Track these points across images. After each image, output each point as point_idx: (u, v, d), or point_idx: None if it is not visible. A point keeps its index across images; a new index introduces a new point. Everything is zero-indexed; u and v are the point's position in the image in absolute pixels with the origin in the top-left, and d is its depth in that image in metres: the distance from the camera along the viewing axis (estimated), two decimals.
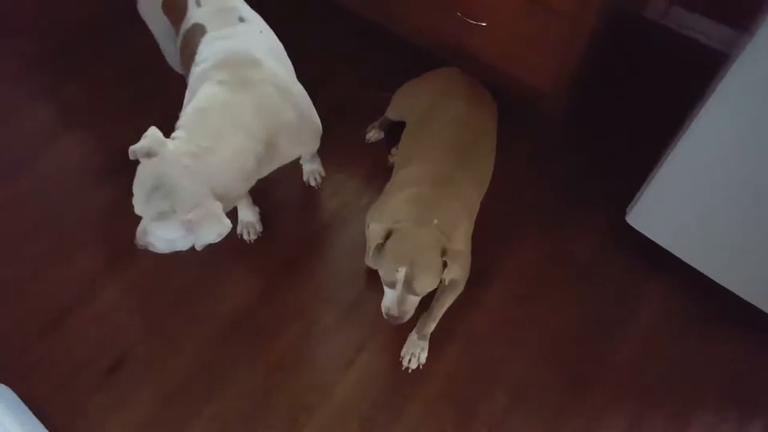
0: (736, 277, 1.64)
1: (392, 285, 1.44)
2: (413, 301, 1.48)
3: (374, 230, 1.45)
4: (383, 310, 1.49)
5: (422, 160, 1.66)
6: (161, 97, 2.14)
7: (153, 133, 1.30)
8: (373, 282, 1.80)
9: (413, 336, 1.73)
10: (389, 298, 1.47)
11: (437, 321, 1.72)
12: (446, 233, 1.47)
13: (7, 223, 1.93)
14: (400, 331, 1.73)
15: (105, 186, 2.00)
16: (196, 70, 1.46)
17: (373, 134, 2.06)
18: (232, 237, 1.89)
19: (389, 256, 1.42)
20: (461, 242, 1.59)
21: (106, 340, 1.75)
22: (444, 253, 1.41)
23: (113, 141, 2.08)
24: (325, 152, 1.86)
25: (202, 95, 1.37)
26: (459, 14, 1.89)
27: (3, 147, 2.08)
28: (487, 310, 1.82)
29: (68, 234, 1.91)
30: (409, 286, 1.41)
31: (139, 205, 1.30)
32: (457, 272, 1.63)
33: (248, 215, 1.89)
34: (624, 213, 1.82)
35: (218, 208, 1.28)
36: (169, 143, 1.29)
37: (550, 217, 1.96)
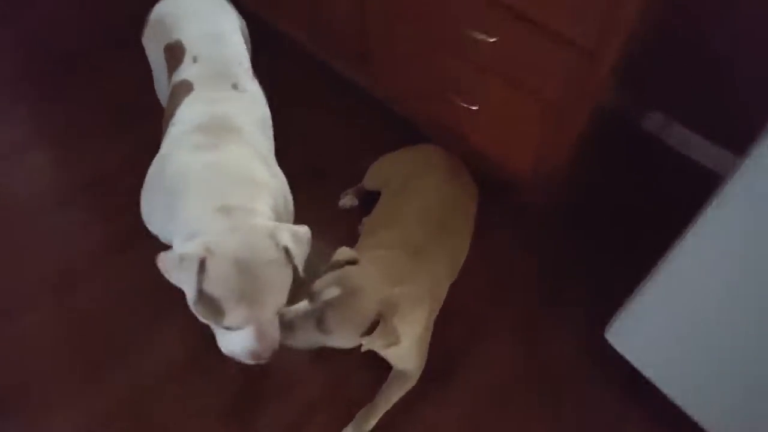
0: (714, 414, 1.49)
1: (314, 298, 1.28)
2: (310, 332, 1.28)
3: (343, 252, 1.35)
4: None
5: (394, 228, 1.56)
6: (142, 126, 2.06)
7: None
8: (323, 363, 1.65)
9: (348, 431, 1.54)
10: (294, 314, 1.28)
11: (378, 417, 1.55)
12: (399, 308, 1.33)
13: None
14: (337, 419, 1.56)
15: (67, 208, 1.88)
16: (171, 131, 1.36)
17: (347, 200, 1.96)
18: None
19: (335, 274, 1.29)
20: (419, 324, 1.45)
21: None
22: (379, 315, 1.27)
23: (84, 164, 1.98)
24: (297, 214, 1.75)
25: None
26: (451, 96, 1.85)
27: None
28: (444, 410, 1.63)
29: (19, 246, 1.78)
30: (322, 314, 1.24)
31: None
32: (408, 360, 1.48)
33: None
34: (603, 321, 1.68)
35: None
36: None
37: (525, 313, 1.81)
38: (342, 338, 1.29)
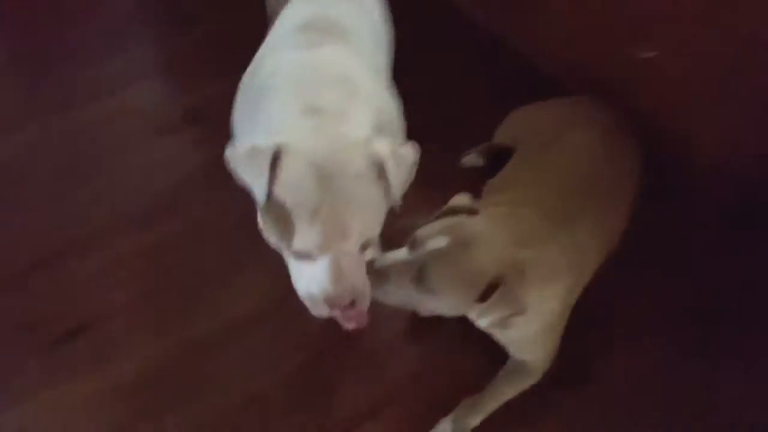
0: None
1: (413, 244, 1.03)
2: (402, 284, 1.02)
3: (460, 198, 1.12)
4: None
5: (528, 187, 1.23)
6: None
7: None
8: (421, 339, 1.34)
9: (445, 426, 1.22)
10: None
11: (487, 414, 1.23)
12: (526, 276, 1.02)
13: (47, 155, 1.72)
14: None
15: (166, 138, 1.75)
16: (271, 32, 1.23)
17: (471, 159, 1.64)
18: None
19: (446, 221, 1.04)
20: (551, 302, 1.11)
21: (76, 305, 1.42)
22: (499, 278, 0.99)
23: (189, 95, 1.85)
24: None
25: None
26: (623, 41, 1.47)
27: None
28: (570, 423, 1.26)
29: (102, 177, 1.66)
30: (424, 267, 0.99)
31: None
32: (532, 348, 1.15)
33: None
34: None
35: None
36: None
37: (689, 320, 1.39)
38: (446, 301, 1.01)
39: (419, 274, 0.98)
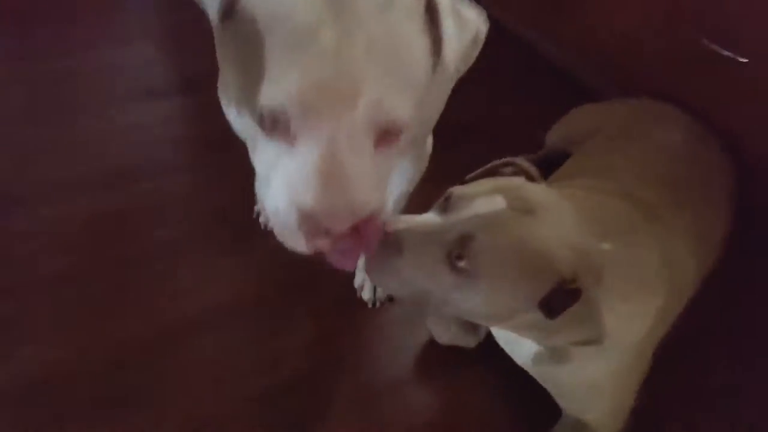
0: None
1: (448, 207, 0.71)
2: (430, 258, 0.68)
3: (515, 160, 0.80)
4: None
5: (610, 177, 0.94)
6: None
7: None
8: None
9: None
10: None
11: None
12: (604, 279, 0.72)
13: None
14: None
15: (152, 103, 1.45)
16: None
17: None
18: (243, 212, 1.22)
19: (499, 181, 0.72)
20: (640, 324, 0.79)
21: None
22: (575, 276, 0.66)
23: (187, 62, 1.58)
24: (445, 175, 1.13)
25: None
26: (706, 42, 1.24)
27: None
28: None
29: (71, 127, 1.34)
30: (466, 240, 0.66)
31: None
32: (597, 401, 0.86)
33: None
34: None
35: None
36: None
37: None
38: (492, 295, 0.67)
39: (459, 246, 0.65)
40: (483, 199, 0.68)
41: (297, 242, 0.57)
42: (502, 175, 0.79)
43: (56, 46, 1.61)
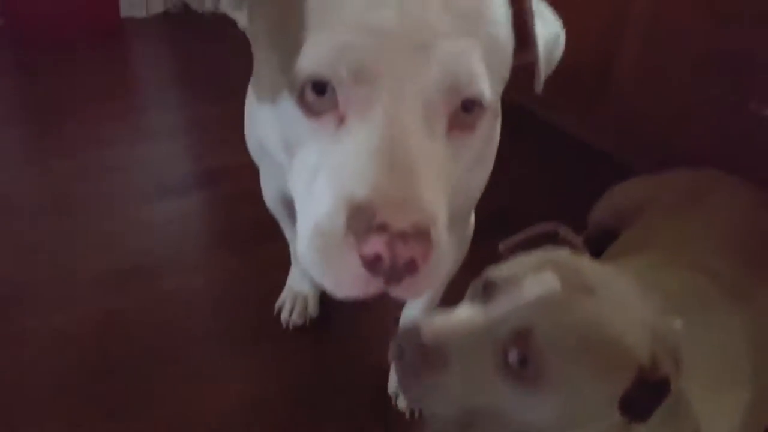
0: None
1: (492, 293, 0.57)
2: (478, 366, 0.55)
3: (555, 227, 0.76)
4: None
5: (677, 249, 0.83)
6: None
7: None
8: None
9: None
10: (446, 315, 0.57)
11: None
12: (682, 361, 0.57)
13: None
14: None
15: (166, 201, 1.41)
16: None
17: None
18: (263, 310, 1.12)
19: (540, 259, 0.59)
20: (722, 422, 0.65)
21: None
22: (656, 359, 0.54)
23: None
24: (476, 264, 1.03)
25: None
26: (754, 106, 1.16)
27: None
28: None
29: (82, 225, 1.29)
30: (521, 333, 0.53)
31: None
32: None
33: (303, 281, 1.10)
34: None
35: None
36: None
37: None
38: (563, 402, 0.54)
39: (514, 344, 0.53)
40: (531, 279, 0.56)
41: (341, 262, 0.42)
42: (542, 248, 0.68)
43: (77, 143, 1.61)
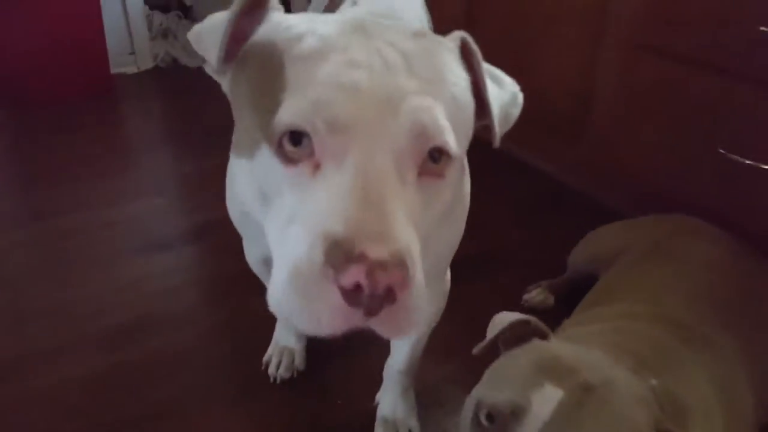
0: None
1: (506, 418, 0.59)
2: None
3: (505, 318, 0.71)
4: None
5: (647, 301, 0.87)
6: None
7: None
8: None
9: None
10: None
11: None
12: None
13: None
14: None
15: (157, 256, 1.42)
16: None
17: (537, 295, 1.26)
18: (252, 364, 1.13)
19: (531, 362, 0.63)
20: None
21: None
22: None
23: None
24: (456, 309, 0.98)
25: None
26: (722, 151, 1.21)
27: None
28: None
29: (75, 287, 1.30)
30: None
31: None
32: None
33: (289, 335, 1.12)
34: None
35: None
36: None
37: None
38: None
39: None
40: (538, 400, 0.57)
41: (321, 297, 0.44)
42: (507, 343, 0.70)
43: (67, 203, 1.63)
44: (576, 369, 0.59)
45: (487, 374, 0.66)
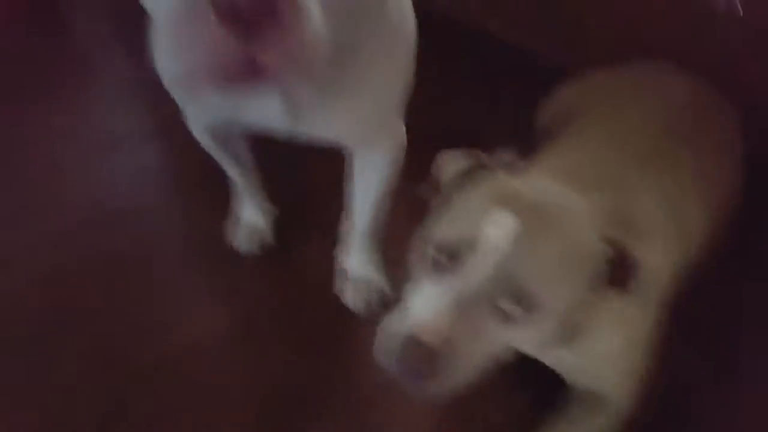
0: None
1: (459, 252, 0.61)
2: (483, 330, 0.60)
3: (454, 157, 0.71)
4: (402, 327, 0.61)
5: (603, 142, 0.90)
6: None
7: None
8: None
9: None
10: (435, 300, 0.61)
11: None
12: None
13: None
14: None
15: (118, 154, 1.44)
16: None
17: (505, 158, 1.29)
18: (214, 244, 1.18)
19: (481, 194, 0.64)
20: (662, 273, 0.79)
21: None
22: (611, 244, 0.63)
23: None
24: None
25: None
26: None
27: None
28: None
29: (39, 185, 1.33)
30: (506, 264, 0.59)
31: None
32: (612, 371, 0.81)
33: (254, 215, 1.16)
34: None
35: None
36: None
37: None
38: (556, 312, 0.61)
39: (506, 295, 0.59)
40: (490, 228, 0.59)
41: (196, 32, 0.41)
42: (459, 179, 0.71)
43: (25, 115, 1.60)
44: (525, 195, 0.62)
45: (437, 212, 0.67)
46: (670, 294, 0.83)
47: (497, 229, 0.59)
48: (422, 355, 0.58)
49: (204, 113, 0.80)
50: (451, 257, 0.61)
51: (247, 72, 0.42)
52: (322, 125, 0.72)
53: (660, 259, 0.77)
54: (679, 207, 0.82)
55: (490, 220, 0.60)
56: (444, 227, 0.64)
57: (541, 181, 0.70)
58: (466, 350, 0.59)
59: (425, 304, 0.61)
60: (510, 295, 0.58)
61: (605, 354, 0.78)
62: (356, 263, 1.05)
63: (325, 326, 1.06)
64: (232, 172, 1.03)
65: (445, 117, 1.47)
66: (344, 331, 1.05)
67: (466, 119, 1.50)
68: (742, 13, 1.14)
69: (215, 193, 1.30)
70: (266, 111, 0.68)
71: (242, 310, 1.08)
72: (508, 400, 0.91)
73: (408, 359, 0.58)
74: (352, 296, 1.06)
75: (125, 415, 0.93)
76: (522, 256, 0.58)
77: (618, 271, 0.61)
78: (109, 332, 1.04)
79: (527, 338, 0.62)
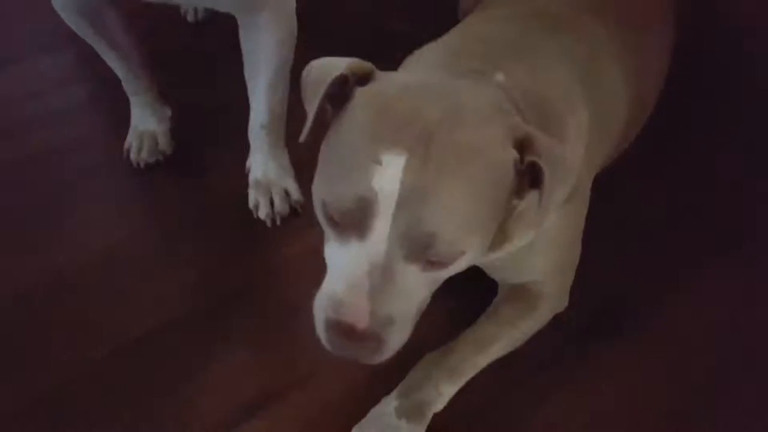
0: None
1: (356, 216, 0.51)
2: (407, 287, 0.53)
3: (331, 64, 0.56)
4: (324, 309, 0.55)
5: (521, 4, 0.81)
6: None
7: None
8: None
9: (387, 408, 0.70)
10: (346, 271, 0.53)
11: (463, 381, 0.73)
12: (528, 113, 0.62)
13: None
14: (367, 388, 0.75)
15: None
16: None
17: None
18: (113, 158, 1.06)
19: (365, 126, 0.52)
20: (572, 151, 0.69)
21: None
22: (521, 143, 0.53)
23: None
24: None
25: None
26: None
27: None
28: (598, 391, 0.77)
29: None
30: (410, 214, 0.50)
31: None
32: (541, 256, 0.74)
33: (147, 118, 1.03)
34: None
35: None
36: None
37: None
38: (473, 240, 0.52)
39: (421, 246, 0.50)
40: (378, 178, 0.49)
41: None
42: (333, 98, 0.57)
43: None
44: (412, 115, 0.51)
45: (321, 158, 0.57)
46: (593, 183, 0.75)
47: (392, 181, 0.49)
48: (349, 336, 0.52)
49: None
50: (350, 221, 0.51)
51: None
52: None
53: (577, 148, 0.68)
54: (596, 85, 0.73)
55: (380, 170, 0.49)
56: (332, 185, 0.53)
57: (427, 77, 0.59)
58: (396, 312, 0.52)
59: (339, 275, 0.54)
60: (425, 245, 0.50)
61: (532, 246, 0.69)
62: (259, 163, 0.95)
63: (231, 227, 0.96)
64: (110, 59, 0.93)
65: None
66: (254, 239, 0.94)
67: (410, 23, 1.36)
68: None
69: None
70: None
71: (142, 220, 0.96)
72: (429, 308, 0.82)
73: (337, 343, 0.54)
74: (254, 200, 0.96)
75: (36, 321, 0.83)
76: (427, 201, 0.49)
77: (534, 171, 0.52)
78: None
79: (455, 271, 0.55)
